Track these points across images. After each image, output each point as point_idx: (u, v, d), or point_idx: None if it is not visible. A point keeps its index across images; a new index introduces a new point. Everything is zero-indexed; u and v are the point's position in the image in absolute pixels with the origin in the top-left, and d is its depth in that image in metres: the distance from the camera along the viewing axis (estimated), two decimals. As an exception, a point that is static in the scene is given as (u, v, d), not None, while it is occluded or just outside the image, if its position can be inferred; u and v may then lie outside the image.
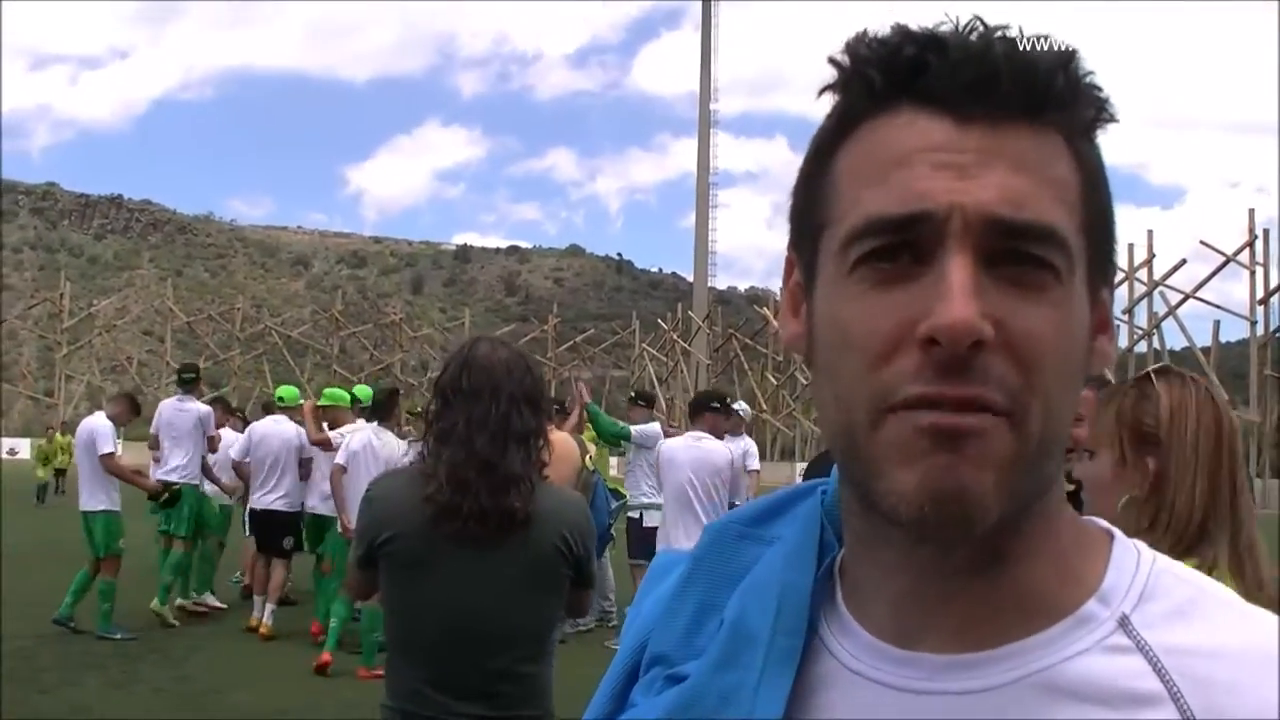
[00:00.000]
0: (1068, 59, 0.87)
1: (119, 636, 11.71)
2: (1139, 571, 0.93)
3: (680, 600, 1.06)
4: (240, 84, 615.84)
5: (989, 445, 0.84)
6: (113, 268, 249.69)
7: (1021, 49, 0.86)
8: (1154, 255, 59.55)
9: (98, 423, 12.41)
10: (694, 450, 9.66)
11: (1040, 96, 0.85)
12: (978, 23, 0.87)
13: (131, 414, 13.16)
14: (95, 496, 12.20)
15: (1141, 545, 0.96)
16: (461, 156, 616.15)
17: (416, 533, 3.52)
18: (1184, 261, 59.81)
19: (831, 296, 0.90)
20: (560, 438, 5.77)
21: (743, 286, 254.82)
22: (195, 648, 11.53)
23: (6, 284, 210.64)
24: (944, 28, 0.87)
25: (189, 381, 13.96)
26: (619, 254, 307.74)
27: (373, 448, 10.99)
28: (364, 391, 13.47)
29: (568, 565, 3.59)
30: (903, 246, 0.86)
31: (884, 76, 0.88)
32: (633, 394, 13.35)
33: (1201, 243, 59.34)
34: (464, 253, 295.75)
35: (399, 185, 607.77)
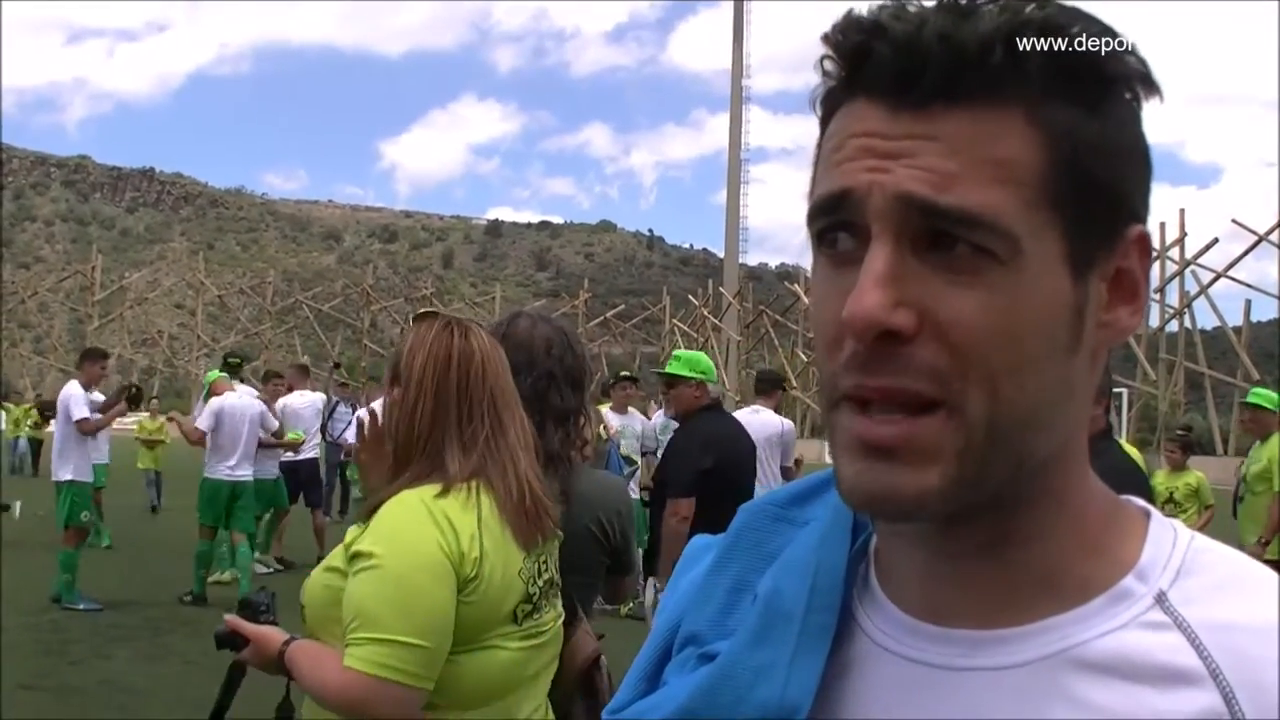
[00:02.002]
0: (1013, 28, 0.83)
1: (82, 607, 11.58)
2: (1175, 548, 0.92)
3: (714, 581, 1.06)
4: (276, 58, 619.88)
5: (924, 446, 0.84)
6: (144, 241, 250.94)
7: (956, 26, 0.83)
8: (1185, 234, 58.98)
9: (69, 390, 12.27)
10: (754, 421, 9.97)
11: (972, 77, 0.83)
12: (925, 4, 0.86)
13: (100, 370, 12.91)
14: (64, 467, 12.09)
15: (1178, 524, 0.95)
16: (496, 131, 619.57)
17: None
18: (1215, 240, 59.22)
19: (813, 276, 0.92)
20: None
21: (774, 263, 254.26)
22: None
23: (38, 256, 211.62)
24: (891, 10, 0.86)
25: (235, 367, 14.13)
26: (650, 230, 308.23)
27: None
28: (216, 375, 14.13)
29: (603, 551, 3.53)
30: (846, 228, 0.87)
31: (839, 66, 0.89)
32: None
33: (1234, 221, 58.76)
34: (495, 227, 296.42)
35: (433, 159, 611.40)
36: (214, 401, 12.93)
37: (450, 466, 2.66)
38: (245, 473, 12.80)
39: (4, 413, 31.35)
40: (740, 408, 12.25)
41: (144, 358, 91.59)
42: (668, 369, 8.24)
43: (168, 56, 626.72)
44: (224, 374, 13.77)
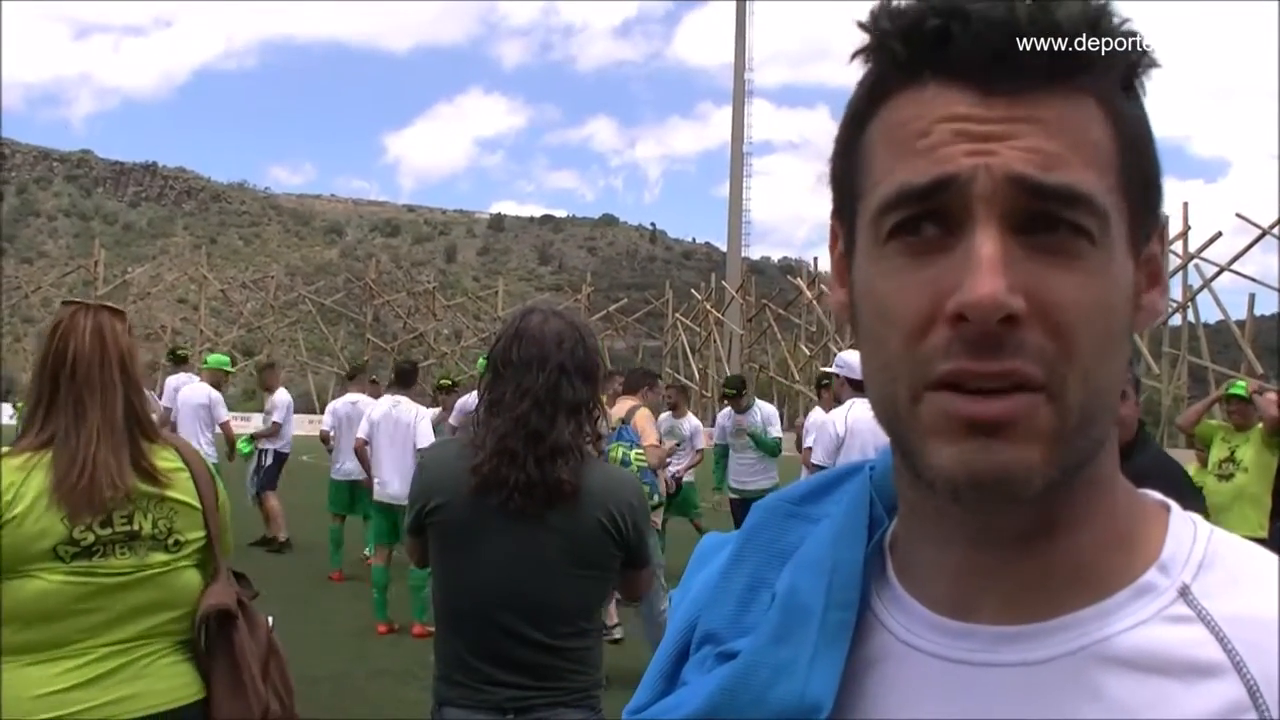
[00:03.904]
0: (1096, 16, 0.84)
1: None
2: (1197, 542, 0.92)
3: (729, 578, 1.06)
4: (282, 53, 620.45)
5: (1029, 424, 0.83)
6: (147, 235, 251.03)
7: (1045, 12, 0.83)
8: (1189, 228, 58.70)
9: None
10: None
11: (1065, 62, 0.83)
12: None
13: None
14: None
15: (1198, 518, 0.95)
16: (502, 125, 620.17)
17: (462, 502, 3.50)
18: (1219, 234, 58.88)
19: (869, 268, 0.90)
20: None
21: (777, 256, 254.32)
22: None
23: (41, 251, 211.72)
24: None
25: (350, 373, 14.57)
26: (653, 223, 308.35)
27: (393, 416, 11.56)
28: (213, 359, 15.28)
29: (615, 545, 3.53)
30: (931, 217, 0.86)
31: (908, 49, 0.87)
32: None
33: (1238, 215, 58.51)
34: (498, 221, 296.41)
35: (438, 153, 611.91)
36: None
37: (29, 437, 3.22)
38: None
39: (14, 409, 31.33)
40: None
41: (147, 352, 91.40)
42: None
43: (174, 52, 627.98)
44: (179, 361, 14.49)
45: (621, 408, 10.01)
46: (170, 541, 3.28)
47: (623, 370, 12.49)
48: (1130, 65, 0.87)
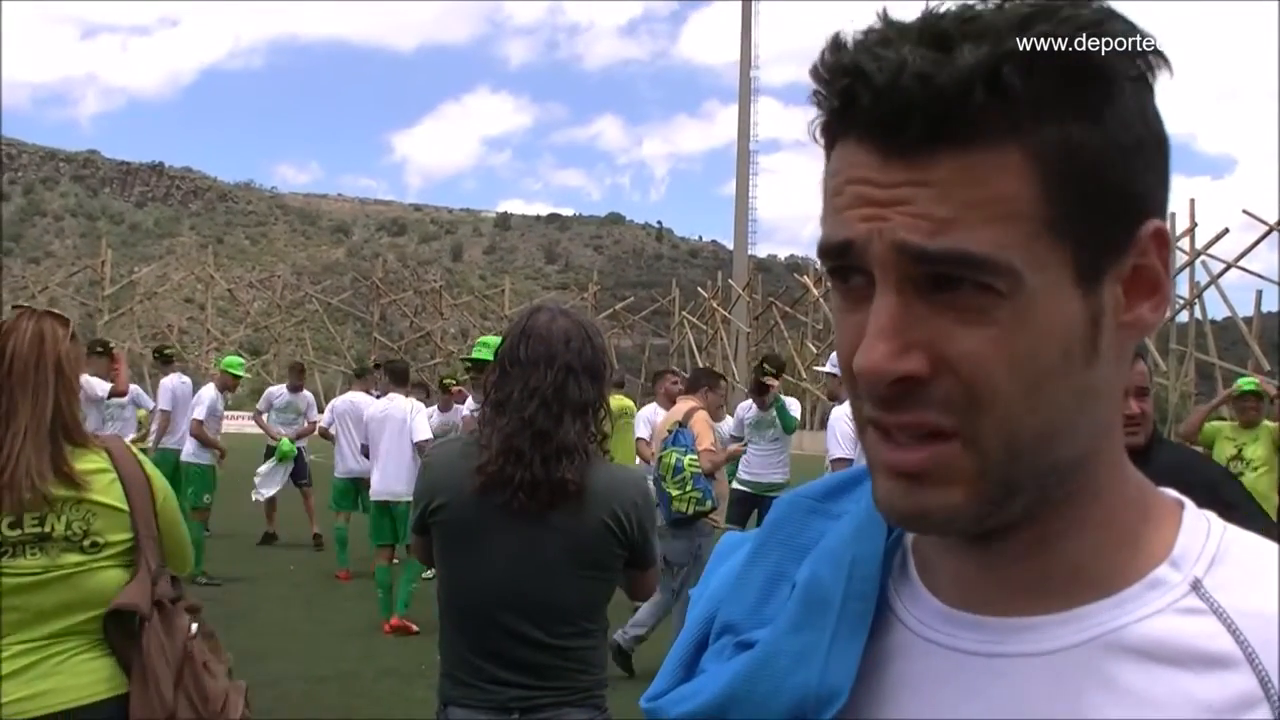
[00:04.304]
0: (999, 59, 0.81)
1: None
2: (1210, 537, 0.92)
3: (750, 571, 1.07)
4: (288, 53, 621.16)
5: (946, 471, 0.85)
6: (153, 235, 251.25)
7: (930, 70, 0.81)
8: (1196, 224, 58.61)
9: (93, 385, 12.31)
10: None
11: (956, 119, 0.82)
12: (905, 32, 0.84)
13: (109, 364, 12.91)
14: None
15: (1212, 515, 0.96)
16: (509, 124, 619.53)
17: (466, 501, 3.49)
18: (1226, 231, 58.71)
19: (833, 306, 0.94)
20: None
21: (783, 254, 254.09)
22: (237, 616, 11.49)
23: (48, 251, 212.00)
24: (870, 48, 0.84)
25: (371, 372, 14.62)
26: (659, 222, 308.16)
27: (386, 414, 11.75)
28: (229, 362, 15.19)
29: (619, 544, 3.51)
30: (851, 270, 0.88)
31: (829, 105, 0.88)
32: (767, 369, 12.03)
33: (1245, 212, 58.34)
34: (504, 220, 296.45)
35: (444, 152, 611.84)
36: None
37: None
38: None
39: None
40: (747, 400, 12.06)
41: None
42: (474, 355, 8.46)
43: (180, 52, 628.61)
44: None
45: (680, 409, 9.69)
46: (87, 543, 3.32)
47: (623, 371, 12.33)
48: (1059, 89, 0.83)
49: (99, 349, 13.05)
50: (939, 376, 0.84)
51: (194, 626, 3.46)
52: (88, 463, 3.36)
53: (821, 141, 0.92)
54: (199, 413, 13.95)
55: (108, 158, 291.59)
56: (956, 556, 0.96)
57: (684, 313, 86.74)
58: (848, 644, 0.95)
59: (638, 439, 11.92)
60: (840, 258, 0.88)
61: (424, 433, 11.33)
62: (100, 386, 12.23)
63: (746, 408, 12.24)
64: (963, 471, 0.85)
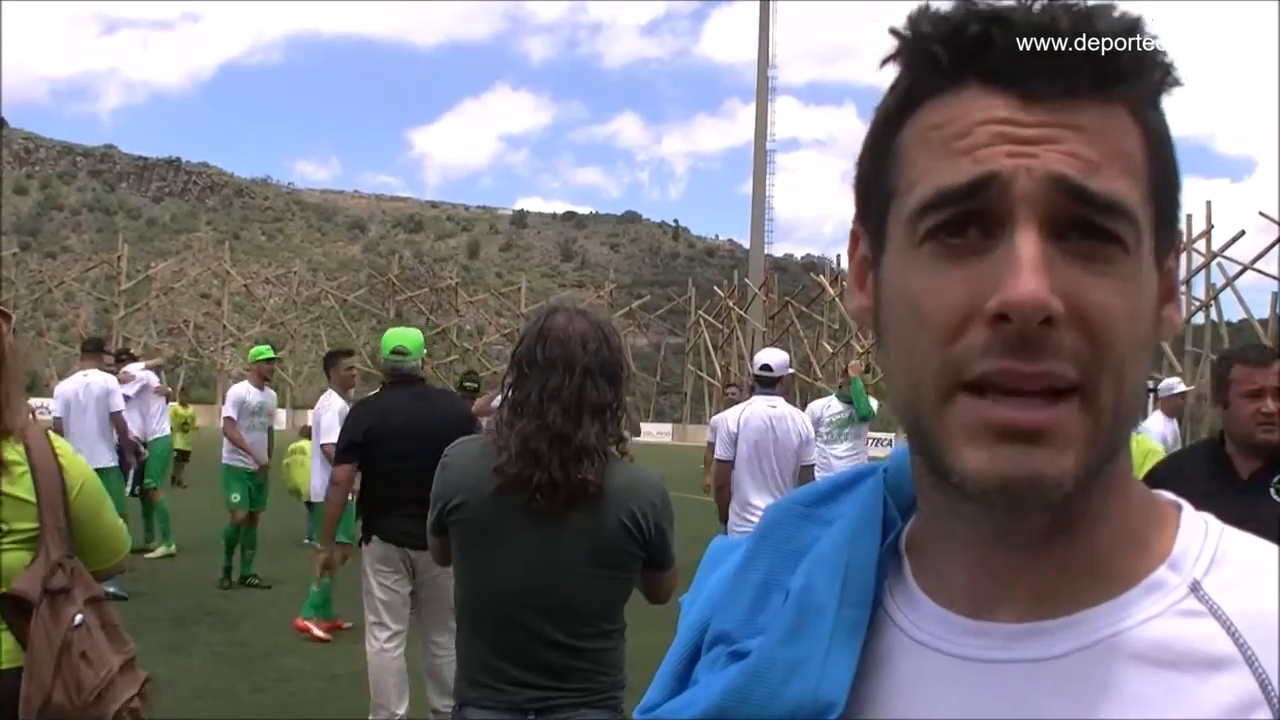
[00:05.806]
0: (1133, 27, 0.84)
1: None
2: (1208, 539, 0.92)
3: (742, 579, 1.06)
4: (308, 49, 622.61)
5: (1066, 431, 0.83)
6: (170, 230, 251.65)
7: (1087, 20, 0.84)
8: (1212, 226, 58.39)
9: (107, 384, 12.31)
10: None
11: (1106, 71, 0.84)
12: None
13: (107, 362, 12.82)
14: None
15: (1209, 516, 0.96)
16: (528, 122, 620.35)
17: (484, 502, 3.48)
18: (1242, 233, 58.43)
19: (900, 269, 0.90)
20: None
21: (800, 254, 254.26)
22: (250, 612, 11.50)
23: (65, 246, 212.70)
24: (993, 3, 0.86)
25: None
26: (675, 220, 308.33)
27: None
28: (256, 351, 13.99)
29: (637, 545, 3.50)
30: (971, 219, 0.85)
31: (949, 53, 0.87)
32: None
33: (1260, 214, 58.10)
34: (521, 218, 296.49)
35: (463, 149, 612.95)
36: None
37: None
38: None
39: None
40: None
41: (170, 347, 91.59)
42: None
43: (200, 47, 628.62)
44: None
45: None
46: None
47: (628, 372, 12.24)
48: (1160, 79, 0.88)
49: (91, 346, 13.04)
50: (1068, 326, 0.82)
51: (79, 617, 3.49)
52: (6, 453, 3.43)
53: (893, 106, 0.92)
54: (228, 410, 13.06)
55: (125, 153, 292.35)
56: (973, 556, 0.93)
57: (700, 311, 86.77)
58: (843, 653, 0.94)
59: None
60: (967, 199, 0.85)
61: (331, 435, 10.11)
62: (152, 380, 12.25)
63: (824, 405, 11.87)
64: (1078, 435, 0.84)
